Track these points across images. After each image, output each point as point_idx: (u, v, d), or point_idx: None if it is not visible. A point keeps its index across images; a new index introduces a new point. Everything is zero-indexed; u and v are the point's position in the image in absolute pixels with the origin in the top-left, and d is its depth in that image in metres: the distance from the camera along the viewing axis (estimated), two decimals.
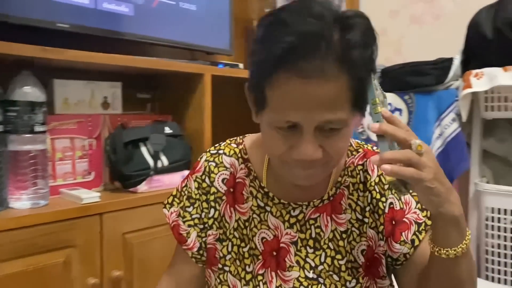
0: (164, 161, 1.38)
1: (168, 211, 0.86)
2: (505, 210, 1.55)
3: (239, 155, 0.83)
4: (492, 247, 1.61)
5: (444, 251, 0.67)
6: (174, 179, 1.40)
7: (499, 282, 1.59)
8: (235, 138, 0.87)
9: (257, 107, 0.70)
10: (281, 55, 0.62)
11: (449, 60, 1.70)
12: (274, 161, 0.73)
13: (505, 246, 1.57)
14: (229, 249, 0.80)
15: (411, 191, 0.66)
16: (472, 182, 1.70)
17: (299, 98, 0.63)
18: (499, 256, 1.59)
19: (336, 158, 0.70)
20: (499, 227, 1.58)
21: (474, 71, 1.57)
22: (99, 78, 1.43)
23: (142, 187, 1.33)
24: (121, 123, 1.38)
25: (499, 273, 1.59)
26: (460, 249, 0.67)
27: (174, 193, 0.87)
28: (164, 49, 1.65)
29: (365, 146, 0.85)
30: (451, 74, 1.68)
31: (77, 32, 1.32)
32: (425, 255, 0.74)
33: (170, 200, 0.87)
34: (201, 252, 0.83)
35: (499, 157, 1.73)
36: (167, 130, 1.42)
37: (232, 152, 0.84)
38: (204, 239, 0.83)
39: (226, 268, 0.80)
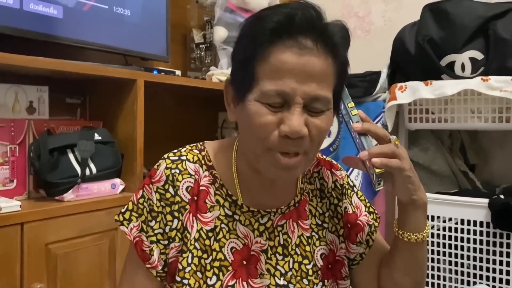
0: (92, 168, 1.34)
1: (127, 227, 0.77)
2: (427, 216, 1.64)
3: (203, 162, 0.79)
4: None
5: (414, 236, 0.77)
6: (103, 187, 1.36)
7: None
8: (195, 144, 0.83)
9: (242, 90, 0.70)
10: (281, 23, 0.66)
11: (377, 73, 1.79)
12: (256, 151, 0.71)
13: (427, 250, 1.66)
14: (189, 260, 0.75)
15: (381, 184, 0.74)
16: None
17: (293, 68, 0.65)
18: None
19: (315, 147, 0.71)
20: None
21: (399, 84, 1.66)
22: (26, 81, 1.37)
23: (69, 196, 1.28)
24: (47, 129, 1.33)
25: None
26: (426, 233, 0.77)
27: (130, 207, 0.78)
28: (98, 53, 1.61)
29: (318, 155, 0.89)
30: (378, 86, 1.77)
31: (1, 33, 1.26)
32: (378, 250, 0.86)
33: (127, 215, 0.78)
34: (165, 269, 0.77)
35: (422, 165, 1.83)
36: (97, 136, 1.38)
37: (196, 158, 0.79)
38: (168, 255, 0.76)
39: (185, 281, 0.74)
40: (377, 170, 0.70)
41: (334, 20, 0.71)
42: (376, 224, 0.88)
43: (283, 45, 0.66)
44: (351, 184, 0.90)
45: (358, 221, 0.85)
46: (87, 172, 1.33)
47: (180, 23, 2.11)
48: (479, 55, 1.54)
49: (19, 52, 1.19)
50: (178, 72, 1.78)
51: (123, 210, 0.79)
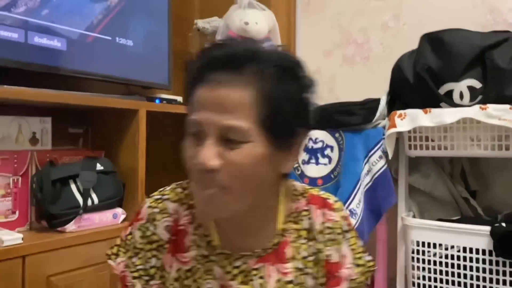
0: (94, 199, 1.35)
1: (115, 262, 0.81)
2: (429, 243, 1.64)
3: (184, 201, 0.80)
4: (418, 278, 1.69)
5: None
6: (104, 218, 1.37)
7: None
8: (181, 182, 0.83)
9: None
10: (203, 63, 0.71)
11: (376, 101, 1.80)
12: (193, 187, 0.73)
13: (429, 278, 1.65)
14: None
15: None
16: (400, 216, 1.79)
17: (207, 101, 0.68)
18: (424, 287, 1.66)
19: (238, 182, 0.67)
20: (423, 260, 1.66)
21: (398, 112, 1.67)
22: (29, 112, 1.39)
23: (71, 227, 1.29)
24: (49, 160, 1.34)
25: None
26: None
27: (119, 242, 0.82)
28: (101, 83, 1.63)
29: (310, 190, 0.84)
30: (378, 114, 1.78)
31: (6, 66, 1.28)
32: None
33: (115, 250, 0.82)
34: None
35: (424, 192, 1.83)
36: (99, 166, 1.39)
37: (177, 197, 0.80)
38: None
39: None
40: None
41: (277, 51, 0.74)
42: (361, 279, 0.81)
43: (205, 81, 0.69)
44: (346, 228, 0.82)
45: (337, 274, 0.80)
46: (89, 202, 1.34)
47: (182, 51, 2.14)
48: (477, 84, 1.56)
49: (24, 83, 1.21)
50: (179, 99, 1.80)
51: (113, 245, 0.83)
